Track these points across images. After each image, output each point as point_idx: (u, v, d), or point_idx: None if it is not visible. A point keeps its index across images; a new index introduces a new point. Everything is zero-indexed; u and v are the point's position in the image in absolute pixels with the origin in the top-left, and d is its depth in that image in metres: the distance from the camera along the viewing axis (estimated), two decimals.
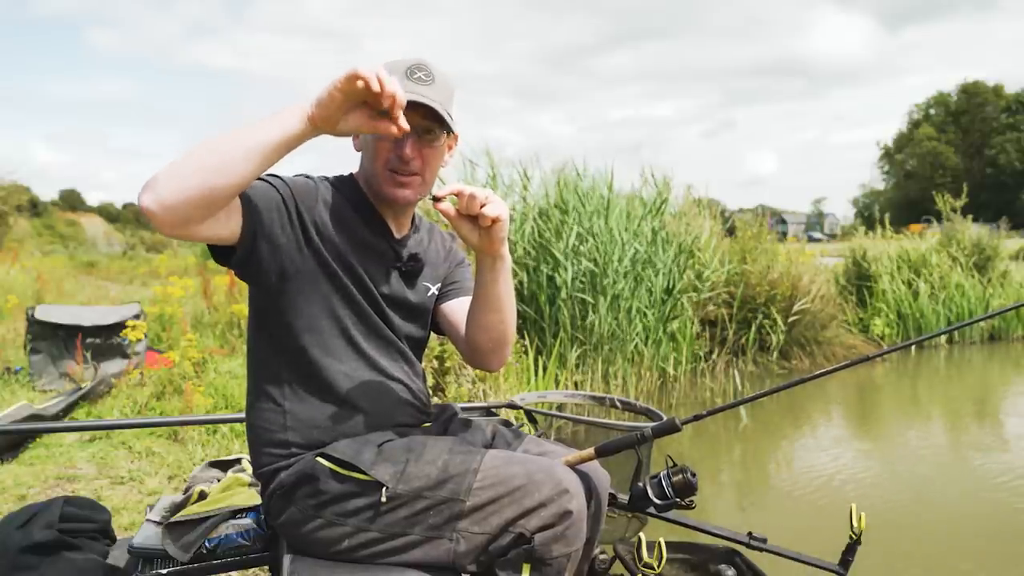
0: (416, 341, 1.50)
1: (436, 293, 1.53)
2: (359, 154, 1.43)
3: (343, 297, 1.35)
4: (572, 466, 1.33)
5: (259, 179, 1.24)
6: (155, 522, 1.62)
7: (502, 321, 1.40)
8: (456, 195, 1.22)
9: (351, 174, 1.45)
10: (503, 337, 1.43)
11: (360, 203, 1.40)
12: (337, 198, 1.36)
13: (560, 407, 2.21)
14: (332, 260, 1.33)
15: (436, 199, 1.22)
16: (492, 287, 1.36)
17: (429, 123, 1.32)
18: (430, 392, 1.55)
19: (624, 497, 1.49)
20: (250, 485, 1.72)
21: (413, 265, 1.45)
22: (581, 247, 6.01)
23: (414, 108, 1.27)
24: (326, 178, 1.41)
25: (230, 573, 1.62)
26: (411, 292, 1.46)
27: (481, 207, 1.21)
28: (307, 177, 1.36)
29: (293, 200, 1.28)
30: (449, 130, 1.35)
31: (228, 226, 1.17)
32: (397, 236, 1.44)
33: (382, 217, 1.42)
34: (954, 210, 10.64)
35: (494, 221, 1.23)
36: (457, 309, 1.53)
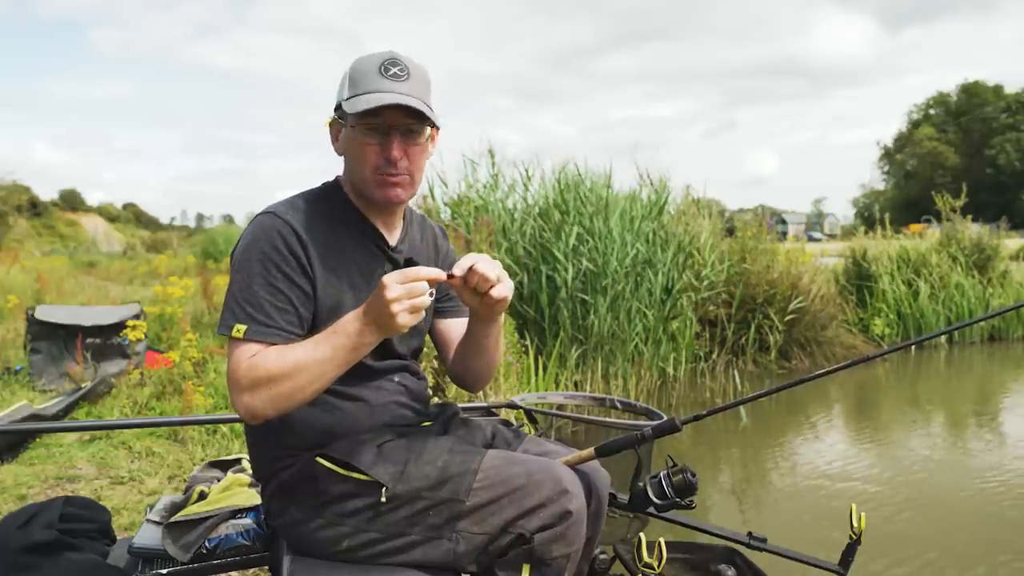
0: (414, 345, 1.50)
1: (430, 299, 1.51)
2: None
3: (342, 315, 1.30)
4: (572, 466, 1.33)
5: (280, 276, 1.26)
6: (155, 522, 1.62)
7: (487, 364, 1.49)
8: (469, 270, 1.22)
9: (336, 180, 1.43)
10: (487, 374, 1.52)
11: (349, 215, 1.38)
12: (324, 220, 1.33)
13: (560, 408, 2.21)
14: (333, 294, 1.31)
15: (451, 276, 1.22)
16: (483, 340, 1.43)
17: (411, 121, 1.30)
18: (430, 392, 1.55)
19: (624, 497, 1.49)
20: (250, 485, 1.72)
21: None
22: (581, 247, 6.01)
23: (394, 108, 1.27)
24: (311, 196, 1.37)
25: (230, 573, 1.62)
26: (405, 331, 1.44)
27: (490, 287, 1.23)
28: (287, 218, 1.30)
29: (300, 268, 1.28)
30: (432, 124, 1.33)
31: None
32: (391, 242, 1.42)
33: (373, 225, 1.40)
34: (954, 210, 10.62)
35: (498, 301, 1.25)
36: (452, 329, 1.54)
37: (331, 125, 1.39)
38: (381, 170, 1.31)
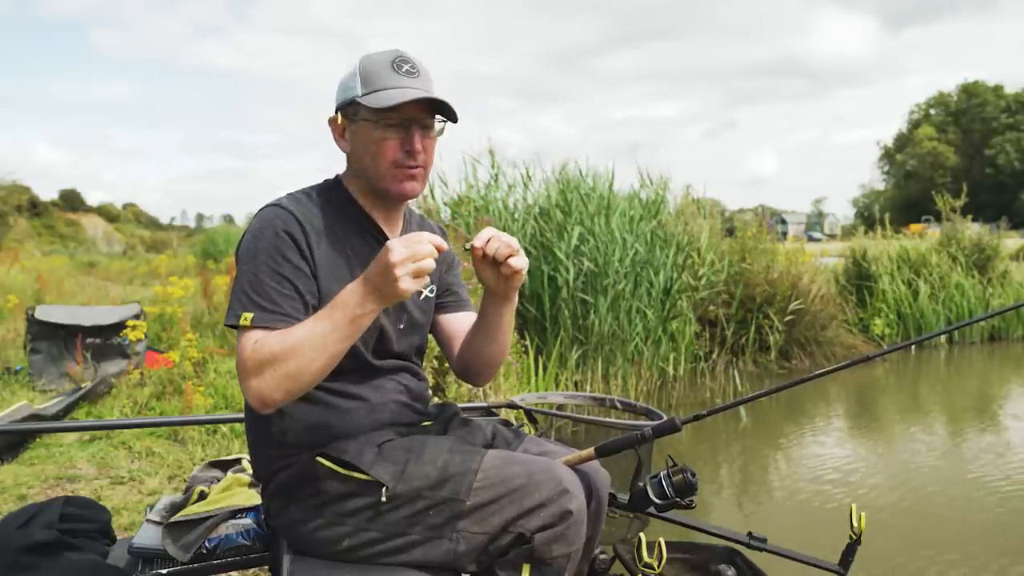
0: (415, 344, 1.50)
1: (431, 296, 1.52)
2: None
3: None
4: (572, 466, 1.33)
5: (284, 262, 1.27)
6: (155, 522, 1.63)
7: (498, 350, 1.47)
8: (489, 239, 1.27)
9: (337, 177, 1.43)
10: (496, 362, 1.50)
11: (351, 211, 1.39)
12: (326, 214, 1.34)
13: (560, 408, 2.21)
14: (334, 288, 1.29)
15: (472, 247, 1.27)
16: (496, 322, 1.42)
17: (428, 116, 1.34)
18: (430, 392, 1.55)
19: (624, 497, 1.49)
20: (250, 485, 1.72)
21: None
22: (582, 247, 6.01)
23: (416, 102, 1.29)
24: (313, 191, 1.38)
25: (230, 573, 1.62)
26: (407, 299, 1.45)
27: (510, 255, 1.26)
28: (291, 208, 1.31)
29: (304, 256, 1.29)
30: (449, 118, 1.35)
31: None
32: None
33: (374, 221, 1.41)
34: (954, 210, 10.62)
35: (515, 272, 1.28)
36: (455, 324, 1.55)
37: (333, 122, 1.39)
38: (400, 163, 1.33)
